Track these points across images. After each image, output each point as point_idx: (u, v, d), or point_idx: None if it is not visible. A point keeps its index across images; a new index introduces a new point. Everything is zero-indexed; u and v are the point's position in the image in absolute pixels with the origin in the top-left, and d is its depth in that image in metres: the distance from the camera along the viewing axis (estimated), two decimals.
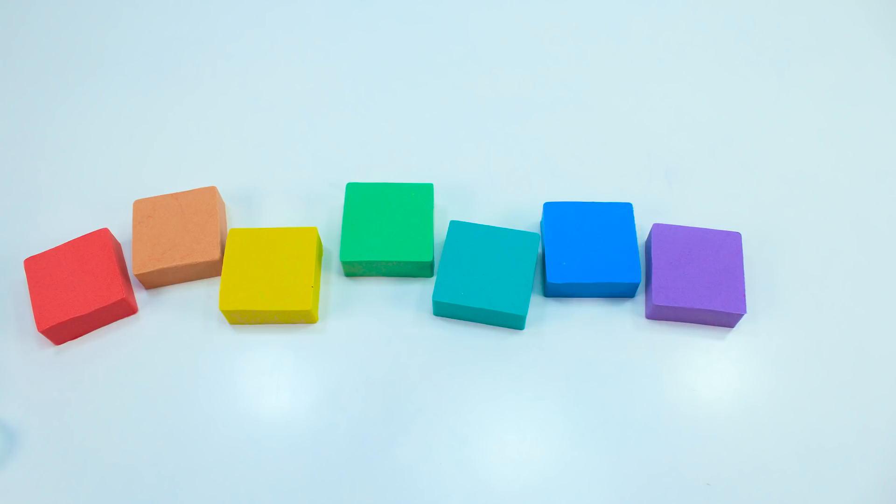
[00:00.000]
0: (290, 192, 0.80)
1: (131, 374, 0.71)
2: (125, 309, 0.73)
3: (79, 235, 0.74)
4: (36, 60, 0.90)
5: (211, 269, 0.74)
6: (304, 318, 0.72)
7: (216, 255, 0.73)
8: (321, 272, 0.76)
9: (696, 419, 0.69)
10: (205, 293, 0.75)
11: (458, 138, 0.84)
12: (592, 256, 0.72)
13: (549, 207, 0.75)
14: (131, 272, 0.75)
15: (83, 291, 0.71)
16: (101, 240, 0.73)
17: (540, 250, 0.76)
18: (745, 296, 0.70)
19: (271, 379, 0.71)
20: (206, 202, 0.75)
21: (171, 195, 0.76)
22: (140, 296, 0.75)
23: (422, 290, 0.75)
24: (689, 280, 0.71)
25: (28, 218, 0.79)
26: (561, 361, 0.71)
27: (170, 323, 0.74)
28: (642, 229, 0.77)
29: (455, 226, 0.74)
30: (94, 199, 0.80)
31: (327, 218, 0.79)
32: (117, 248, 0.75)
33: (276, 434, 0.69)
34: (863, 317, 0.73)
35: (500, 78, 0.88)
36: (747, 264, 0.75)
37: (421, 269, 0.74)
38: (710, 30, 0.91)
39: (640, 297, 0.74)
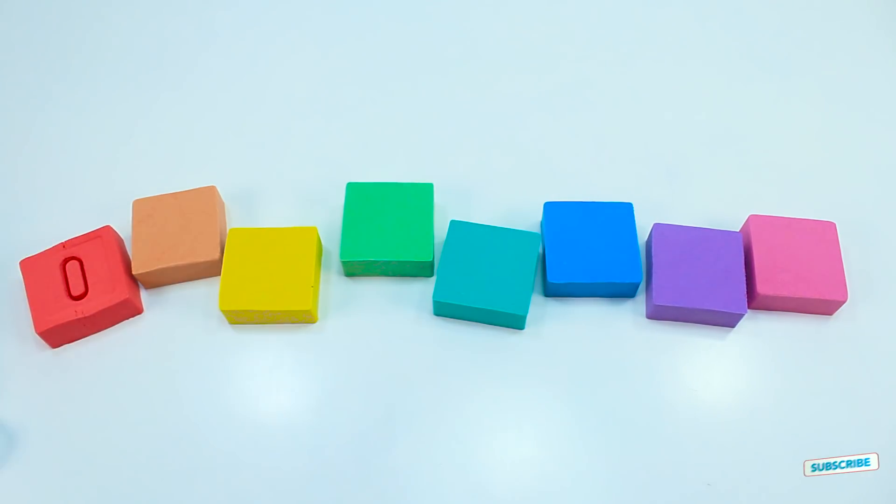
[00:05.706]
0: (290, 192, 0.80)
1: (131, 374, 0.71)
2: (130, 310, 0.72)
3: (78, 235, 0.74)
4: (35, 59, 0.90)
5: (211, 269, 0.74)
6: (304, 317, 0.72)
7: (216, 255, 0.73)
8: (321, 272, 0.76)
9: (697, 419, 0.69)
10: (205, 293, 0.75)
11: (458, 138, 0.84)
12: (593, 256, 0.72)
13: (549, 207, 0.74)
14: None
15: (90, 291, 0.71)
16: (105, 238, 0.73)
17: (540, 250, 0.76)
18: (745, 295, 0.70)
19: (271, 379, 0.71)
20: (205, 202, 0.75)
21: (171, 195, 0.75)
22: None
23: (422, 290, 0.75)
24: (689, 280, 0.71)
25: (27, 218, 0.79)
26: (561, 361, 0.71)
27: (169, 323, 0.74)
28: (642, 229, 0.77)
29: (455, 225, 0.74)
30: (93, 199, 0.80)
31: (327, 218, 0.79)
32: (121, 245, 0.75)
33: (276, 433, 0.69)
34: (861, 316, 0.73)
35: (500, 78, 0.88)
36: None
37: (421, 269, 0.74)
38: (710, 29, 0.91)
39: (641, 297, 0.74)
